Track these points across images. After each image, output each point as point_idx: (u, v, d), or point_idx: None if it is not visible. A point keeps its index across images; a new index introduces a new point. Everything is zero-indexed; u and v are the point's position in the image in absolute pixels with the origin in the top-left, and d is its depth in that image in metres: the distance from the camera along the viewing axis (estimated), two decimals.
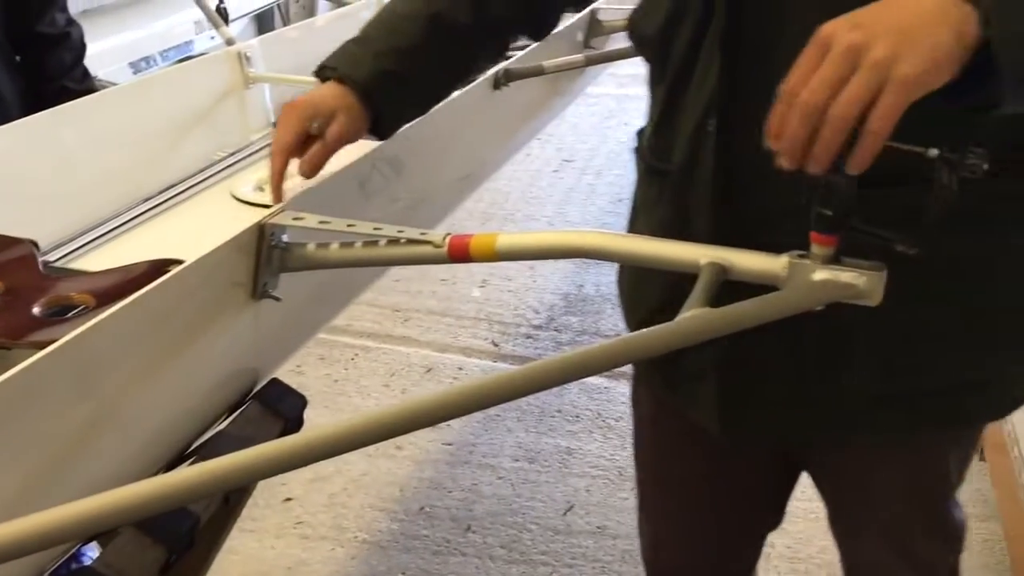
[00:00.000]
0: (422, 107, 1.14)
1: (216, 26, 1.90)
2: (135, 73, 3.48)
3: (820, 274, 0.83)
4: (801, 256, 0.84)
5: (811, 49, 0.70)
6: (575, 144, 4.30)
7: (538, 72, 1.69)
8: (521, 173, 3.96)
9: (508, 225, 3.51)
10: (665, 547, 1.26)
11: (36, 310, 1.00)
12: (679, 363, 1.02)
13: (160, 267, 1.06)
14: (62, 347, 0.81)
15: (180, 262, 1.04)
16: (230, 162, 1.64)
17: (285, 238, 1.03)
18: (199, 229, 1.40)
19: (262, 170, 1.62)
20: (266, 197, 1.51)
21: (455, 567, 1.99)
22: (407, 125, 1.22)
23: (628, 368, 2.78)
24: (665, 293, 0.95)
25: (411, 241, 0.97)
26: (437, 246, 0.95)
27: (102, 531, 0.83)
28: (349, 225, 1.00)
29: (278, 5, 4.25)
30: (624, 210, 3.60)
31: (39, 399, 0.81)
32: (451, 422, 2.43)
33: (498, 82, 1.63)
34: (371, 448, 2.33)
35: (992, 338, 0.95)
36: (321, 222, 1.01)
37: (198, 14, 3.77)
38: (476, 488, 2.21)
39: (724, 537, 1.22)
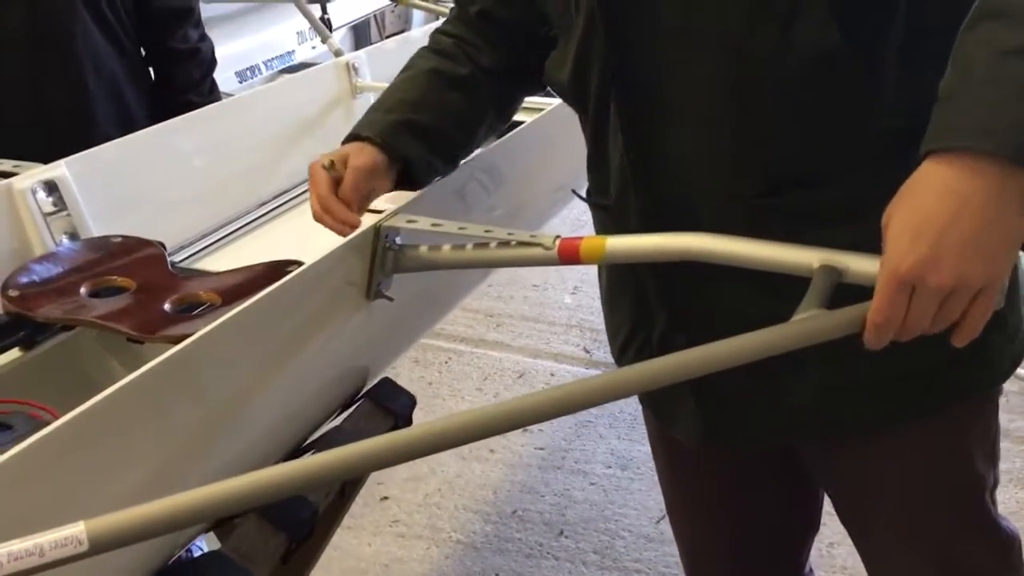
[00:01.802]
0: (445, 155, 1.14)
1: (324, 38, 1.97)
2: (241, 82, 3.60)
3: None
4: None
5: (894, 289, 0.71)
6: None
7: None
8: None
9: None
10: (698, 562, 1.27)
11: (167, 307, 1.06)
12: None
13: (280, 267, 1.11)
14: (195, 342, 0.86)
15: (299, 263, 1.10)
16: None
17: (398, 240, 1.07)
18: (311, 233, 1.45)
19: None
20: (374, 204, 1.56)
21: (548, 571, 2.01)
22: (510, 136, 1.24)
23: None
24: (633, 309, 1.03)
25: (521, 243, 0.99)
26: (547, 248, 0.97)
27: (234, 513, 0.88)
28: (460, 228, 1.03)
29: (375, 15, 4.35)
30: None
31: (173, 391, 0.86)
32: (543, 426, 2.46)
33: None
34: (464, 450, 2.37)
35: None
36: (434, 224, 1.04)
37: (300, 24, 3.90)
38: (568, 493, 2.23)
39: (749, 552, 1.22)
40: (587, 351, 2.80)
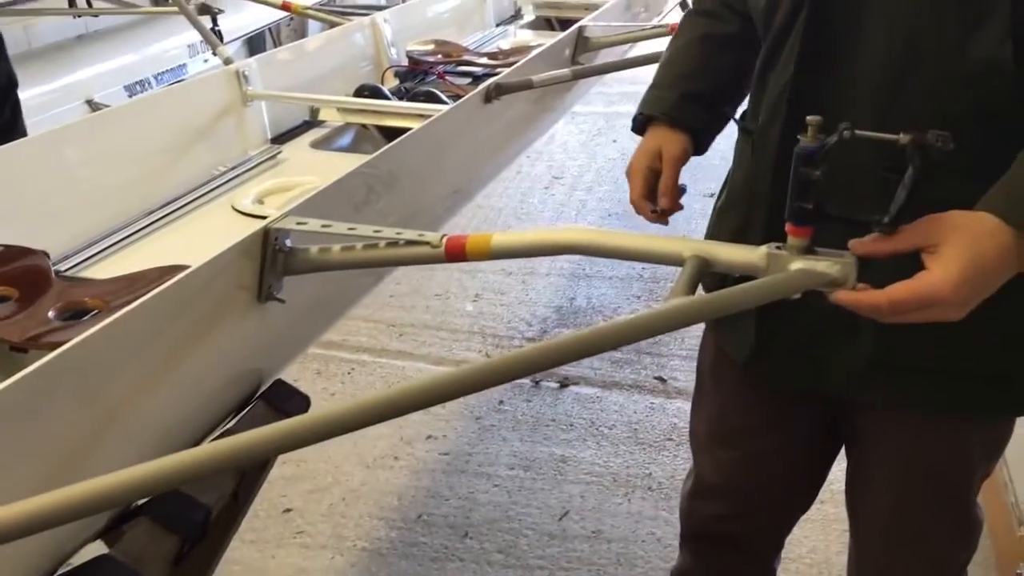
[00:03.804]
0: (726, 112, 1.22)
1: (213, 46, 1.96)
2: (130, 96, 3.53)
3: (796, 264, 0.88)
4: (778, 247, 0.89)
5: (920, 299, 0.82)
6: (565, 161, 4.37)
7: (527, 86, 1.75)
8: (512, 190, 4.01)
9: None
10: (710, 494, 1.32)
11: (51, 314, 1.04)
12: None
13: (169, 272, 1.11)
14: (76, 345, 0.86)
15: (188, 267, 1.10)
16: (230, 176, 1.69)
17: (288, 242, 1.08)
18: (202, 240, 1.45)
19: (262, 183, 1.67)
20: (266, 209, 1.56)
21: (453, 573, 2.03)
22: (399, 141, 1.26)
23: (622, 378, 2.80)
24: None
25: (409, 242, 1.02)
26: (435, 246, 1.00)
27: (132, 500, 0.87)
28: (350, 228, 1.04)
29: (270, 28, 4.31)
30: (616, 224, 3.64)
31: (54, 397, 0.85)
32: (446, 432, 2.48)
33: (489, 96, 1.68)
34: (368, 459, 2.37)
35: (1012, 330, 1.01)
36: (323, 225, 1.05)
37: (191, 38, 3.85)
38: (472, 496, 2.25)
39: (766, 488, 1.28)
40: (489, 356, 2.83)
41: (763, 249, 0.89)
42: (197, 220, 1.54)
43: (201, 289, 1.01)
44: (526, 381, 2.69)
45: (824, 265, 0.88)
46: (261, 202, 1.57)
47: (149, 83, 3.71)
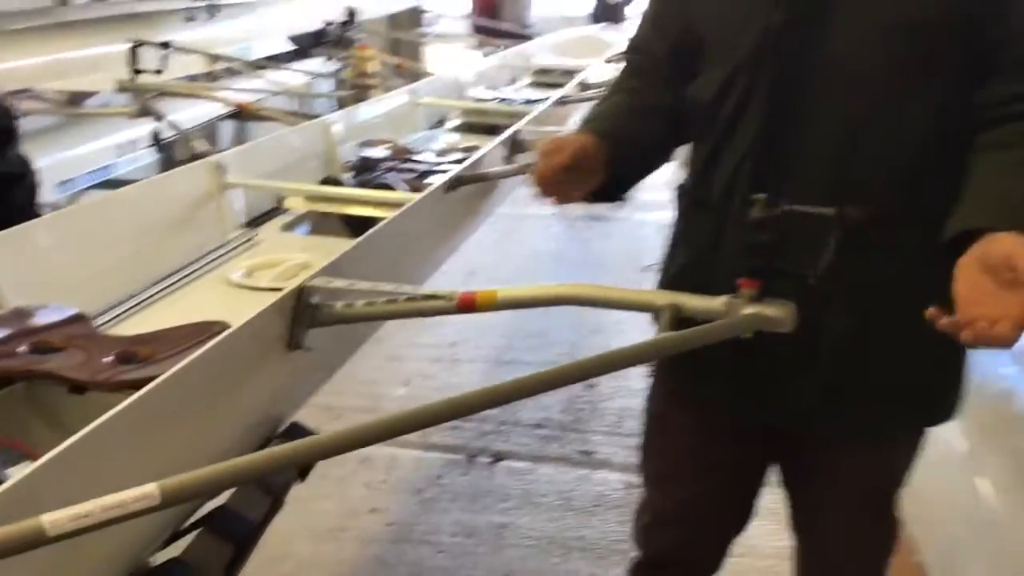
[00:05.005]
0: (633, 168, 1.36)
1: (190, 139, 2.13)
2: (62, 194, 3.59)
3: (748, 309, 1.12)
4: (734, 297, 1.13)
5: None
6: (480, 257, 4.61)
7: (482, 179, 1.98)
8: (431, 284, 4.22)
9: (421, 328, 3.72)
10: (666, 524, 1.49)
11: (107, 361, 1.19)
12: (695, 357, 1.23)
13: (205, 326, 1.27)
14: (163, 380, 1.00)
15: (222, 323, 1.26)
16: (213, 256, 1.85)
17: (317, 298, 1.26)
18: (205, 306, 1.60)
19: (249, 260, 1.84)
20: (254, 281, 1.73)
21: None
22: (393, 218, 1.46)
23: (550, 452, 2.98)
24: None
25: (426, 297, 1.21)
26: (449, 300, 1.20)
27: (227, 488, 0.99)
28: (373, 286, 1.23)
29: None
30: (532, 312, 3.81)
31: (149, 419, 0.99)
32: (389, 504, 2.60)
33: (450, 186, 1.91)
34: (317, 531, 2.47)
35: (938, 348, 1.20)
36: (350, 283, 1.24)
37: (120, 138, 3.96)
38: (420, 563, 2.37)
39: (718, 517, 1.47)
40: (424, 434, 2.98)
41: (722, 298, 1.13)
42: (194, 292, 1.69)
43: (246, 340, 1.17)
44: (461, 457, 2.85)
45: (770, 310, 1.12)
46: (250, 275, 1.74)
47: (80, 181, 3.78)
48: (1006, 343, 0.96)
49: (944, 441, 1.97)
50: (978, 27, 1.11)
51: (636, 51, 1.40)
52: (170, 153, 4.42)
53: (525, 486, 2.71)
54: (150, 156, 3.91)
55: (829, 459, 1.35)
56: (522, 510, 2.60)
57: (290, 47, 5.10)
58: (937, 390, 1.28)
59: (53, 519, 0.70)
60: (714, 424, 1.37)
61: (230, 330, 1.13)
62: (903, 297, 1.16)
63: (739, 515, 1.49)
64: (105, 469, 0.94)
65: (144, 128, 3.73)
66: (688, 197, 1.32)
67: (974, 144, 1.11)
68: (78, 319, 1.29)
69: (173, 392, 1.03)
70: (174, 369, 1.03)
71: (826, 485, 1.37)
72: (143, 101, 3.02)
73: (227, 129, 4.94)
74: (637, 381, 3.30)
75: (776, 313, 1.11)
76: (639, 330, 1.13)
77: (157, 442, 1.03)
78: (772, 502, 1.50)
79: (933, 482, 1.85)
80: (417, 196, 1.79)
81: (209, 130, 4.31)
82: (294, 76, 4.64)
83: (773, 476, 1.47)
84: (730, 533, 1.51)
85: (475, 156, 2.18)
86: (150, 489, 0.72)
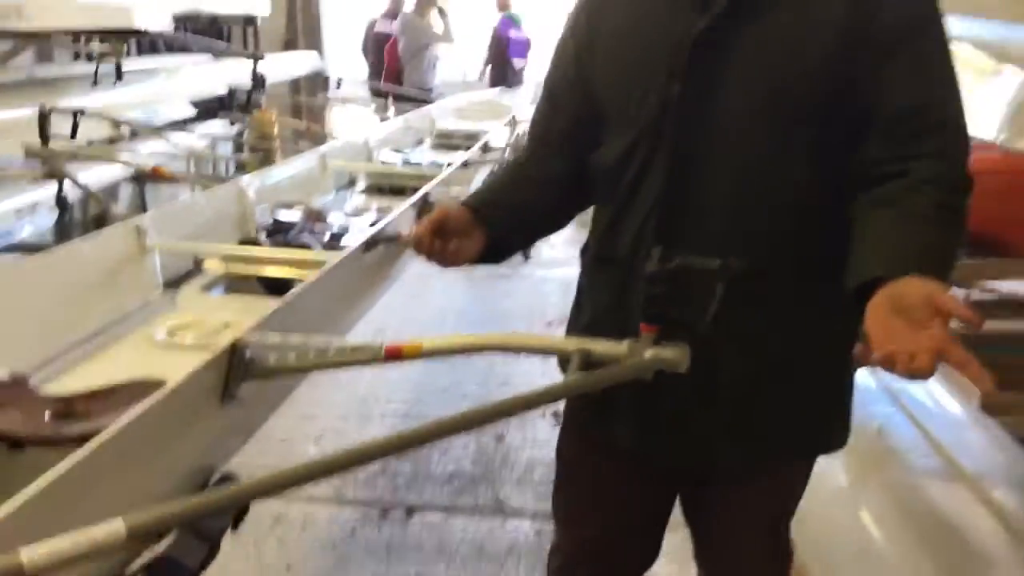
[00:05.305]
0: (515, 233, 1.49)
1: (98, 202, 2.17)
2: None
3: (648, 352, 1.24)
4: (636, 341, 1.26)
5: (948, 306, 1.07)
6: (387, 317, 4.68)
7: (397, 239, 2.09)
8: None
9: (332, 386, 3.77)
10: (575, 566, 1.58)
11: (47, 418, 1.23)
12: (604, 402, 1.37)
13: (139, 384, 1.33)
14: (109, 435, 1.07)
15: (157, 379, 1.32)
16: (136, 318, 1.89)
17: (249, 353, 1.33)
18: (131, 367, 1.64)
19: (173, 319, 1.90)
20: (176, 341, 1.78)
21: None
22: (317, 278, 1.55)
23: (463, 503, 3.06)
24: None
25: (354, 349, 1.30)
26: (376, 350, 1.29)
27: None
28: (304, 340, 1.32)
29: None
30: (441, 367, 3.97)
31: (83, 483, 1.05)
32: (305, 562, 2.63)
33: (368, 246, 2.01)
34: None
35: (816, 386, 1.36)
36: (282, 337, 1.32)
37: (19, 203, 3.92)
38: None
39: (628, 555, 1.56)
40: (338, 490, 3.02)
41: (626, 342, 1.26)
42: (119, 352, 1.74)
43: (183, 394, 1.23)
44: (375, 511, 2.90)
45: (667, 352, 1.24)
46: (173, 335, 1.79)
47: None
48: (928, 374, 1.05)
49: (829, 475, 2.15)
50: (852, 92, 1.24)
51: (535, 126, 1.52)
52: (73, 216, 4.40)
53: (439, 537, 2.77)
54: (51, 219, 3.89)
55: (730, 492, 1.46)
56: (437, 562, 2.66)
57: (192, 111, 5.14)
58: (828, 420, 1.41)
59: (30, 555, 0.76)
60: (621, 465, 1.46)
61: (170, 384, 1.19)
62: (791, 339, 1.31)
63: (646, 552, 1.59)
64: (53, 520, 1.00)
65: (44, 191, 3.73)
66: (594, 255, 1.44)
67: (860, 201, 1.23)
68: (16, 379, 1.33)
69: (117, 445, 1.09)
70: (119, 423, 1.09)
71: (727, 517, 1.49)
72: (51, 165, 3.03)
73: (128, 191, 4.94)
74: (545, 432, 3.42)
75: (672, 355, 1.24)
76: (549, 379, 1.24)
77: (100, 493, 1.09)
78: (680, 539, 1.63)
79: (820, 515, 2.00)
80: (335, 255, 1.88)
81: (111, 192, 4.31)
82: (198, 139, 4.68)
83: (678, 512, 1.60)
84: (638, 570, 1.61)
85: (388, 218, 2.29)
86: (117, 525, 0.79)
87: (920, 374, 1.05)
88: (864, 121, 1.24)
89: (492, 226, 1.41)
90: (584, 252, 1.48)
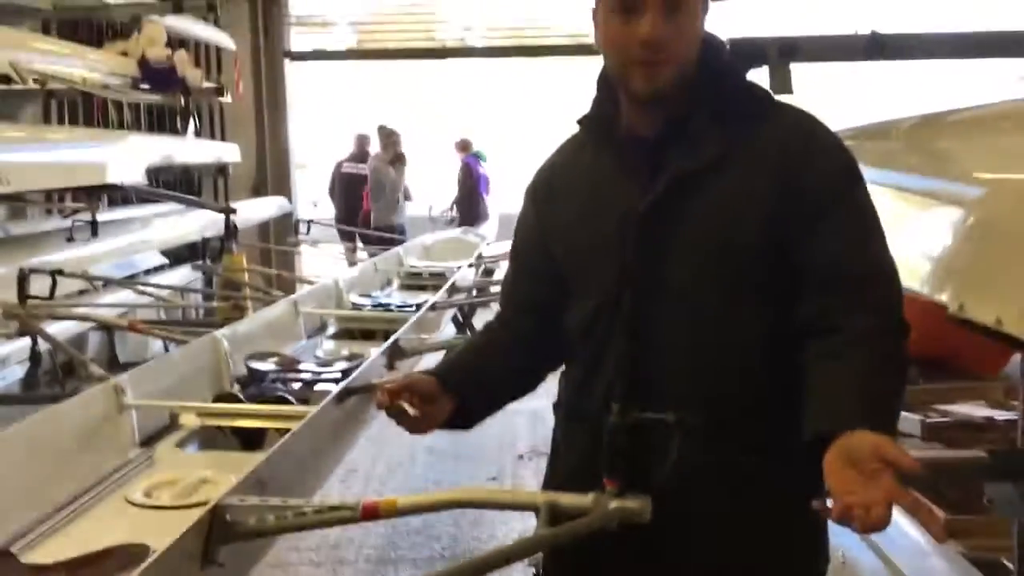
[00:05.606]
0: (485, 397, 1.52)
1: (87, 367, 2.23)
2: None
3: (613, 504, 1.31)
4: (601, 493, 1.32)
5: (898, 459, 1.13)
6: (357, 455, 4.69)
7: (370, 388, 2.16)
8: (326, 488, 4.26)
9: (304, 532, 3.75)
10: None
11: None
12: (582, 554, 1.36)
13: (122, 549, 1.36)
14: None
15: (141, 545, 1.36)
16: (114, 478, 1.93)
17: (230, 516, 1.38)
18: (111, 530, 1.67)
19: (150, 477, 1.94)
20: (155, 500, 1.82)
21: None
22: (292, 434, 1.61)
23: None
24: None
25: (332, 508, 1.36)
26: (352, 509, 1.35)
27: None
28: (283, 500, 1.37)
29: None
30: None
31: None
32: None
33: (341, 397, 2.08)
34: None
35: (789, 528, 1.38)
36: (261, 499, 1.37)
37: None
38: None
39: None
40: None
41: (591, 495, 1.32)
42: (98, 515, 1.76)
43: (167, 562, 1.27)
44: None
45: (631, 503, 1.31)
46: (150, 495, 1.82)
47: None
48: (884, 524, 1.11)
49: None
50: (787, 251, 1.34)
51: (505, 287, 1.62)
52: (43, 365, 4.43)
53: None
54: (21, 371, 3.93)
55: None
56: None
57: (163, 260, 5.25)
58: (804, 560, 1.43)
59: None
60: None
61: (155, 554, 1.24)
62: (756, 484, 1.35)
63: None
64: None
65: (16, 344, 3.77)
66: (565, 413, 1.50)
67: (806, 353, 1.31)
68: (2, 554, 1.36)
69: None
70: None
71: None
72: (26, 323, 3.09)
73: (97, 339, 4.98)
74: None
75: (635, 505, 1.31)
76: (519, 516, 1.28)
77: None
78: None
79: None
80: (308, 409, 1.95)
81: (81, 341, 4.36)
82: (169, 288, 4.77)
83: None
84: None
85: (360, 369, 2.36)
86: None
87: (877, 527, 1.10)
88: (800, 278, 1.34)
89: (459, 394, 1.46)
90: (557, 408, 1.54)
